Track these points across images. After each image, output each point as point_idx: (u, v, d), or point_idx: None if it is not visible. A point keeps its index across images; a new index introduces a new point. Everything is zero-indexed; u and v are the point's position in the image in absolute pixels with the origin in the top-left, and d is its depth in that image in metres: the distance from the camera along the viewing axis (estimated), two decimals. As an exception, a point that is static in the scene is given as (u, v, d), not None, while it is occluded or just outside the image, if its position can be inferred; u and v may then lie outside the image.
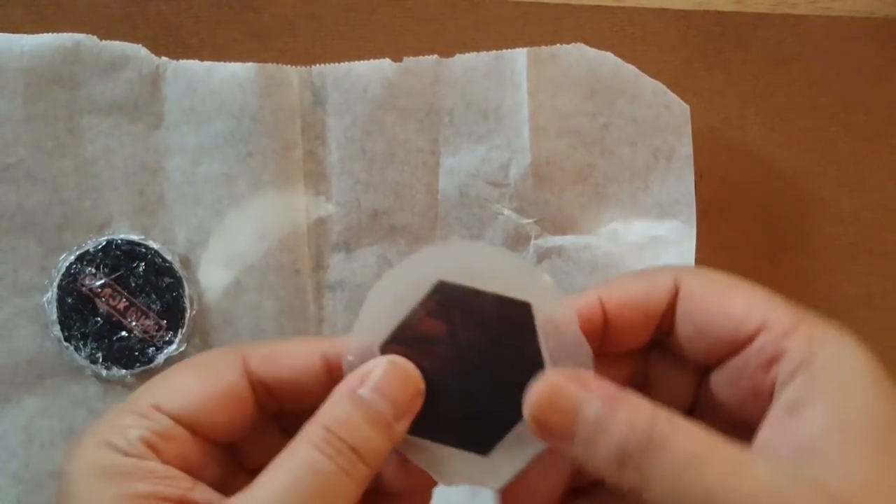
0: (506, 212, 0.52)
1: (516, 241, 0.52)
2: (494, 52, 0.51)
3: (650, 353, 0.37)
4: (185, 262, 0.51)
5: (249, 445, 0.36)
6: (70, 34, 0.50)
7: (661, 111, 0.52)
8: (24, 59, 0.49)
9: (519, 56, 0.51)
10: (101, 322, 0.50)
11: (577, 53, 0.52)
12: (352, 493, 0.31)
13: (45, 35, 0.50)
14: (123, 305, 0.50)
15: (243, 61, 0.51)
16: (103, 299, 0.50)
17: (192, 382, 0.34)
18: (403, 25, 0.54)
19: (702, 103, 0.54)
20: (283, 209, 0.51)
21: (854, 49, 0.57)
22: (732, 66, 0.56)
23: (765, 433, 0.32)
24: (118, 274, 0.50)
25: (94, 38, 0.50)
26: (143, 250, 0.50)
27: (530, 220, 0.52)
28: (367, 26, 0.54)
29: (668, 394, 0.36)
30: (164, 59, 0.51)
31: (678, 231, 0.52)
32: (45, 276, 0.50)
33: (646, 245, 0.52)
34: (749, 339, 0.33)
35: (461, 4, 0.54)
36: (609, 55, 0.52)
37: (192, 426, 0.33)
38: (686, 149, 0.52)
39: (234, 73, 0.50)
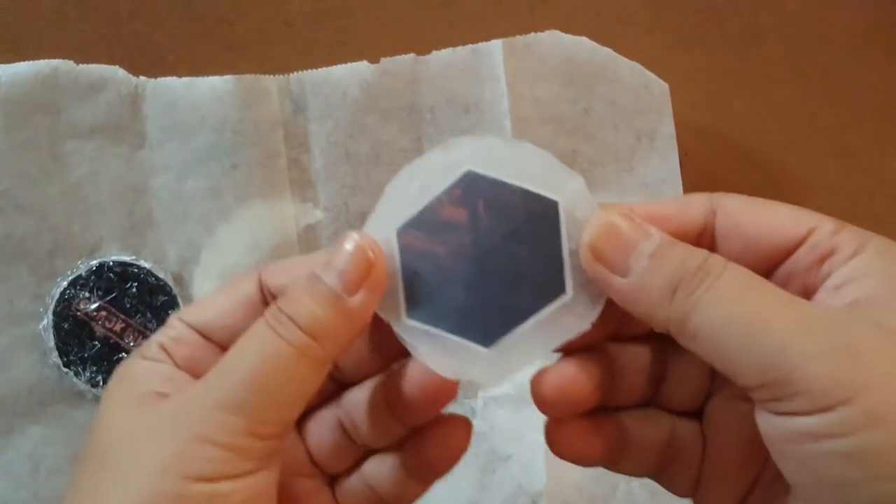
0: None
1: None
2: (471, 46, 0.52)
3: None
4: (178, 278, 0.51)
5: None
6: (46, 60, 0.50)
7: (641, 92, 0.52)
8: (2, 88, 0.49)
9: (495, 48, 0.51)
10: (99, 345, 0.50)
11: (553, 41, 0.52)
12: (309, 372, 0.31)
13: (22, 63, 0.50)
14: (120, 327, 0.50)
15: (221, 74, 0.51)
16: (99, 322, 0.50)
17: (216, 296, 0.35)
18: (379, 27, 0.54)
19: (681, 82, 0.54)
20: (271, 219, 0.51)
21: (830, 16, 0.57)
22: (709, 42, 0.56)
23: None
24: (112, 296, 0.50)
25: (71, 62, 0.50)
26: (136, 270, 0.50)
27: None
28: (342, 30, 0.54)
29: None
30: (143, 78, 0.51)
31: None
32: (40, 303, 0.50)
33: None
34: (800, 242, 0.32)
35: (435, 2, 0.54)
36: (585, 40, 0.52)
37: (205, 331, 0.34)
38: (668, 128, 0.52)
39: (213, 87, 0.51)
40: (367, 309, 0.32)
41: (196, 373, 0.33)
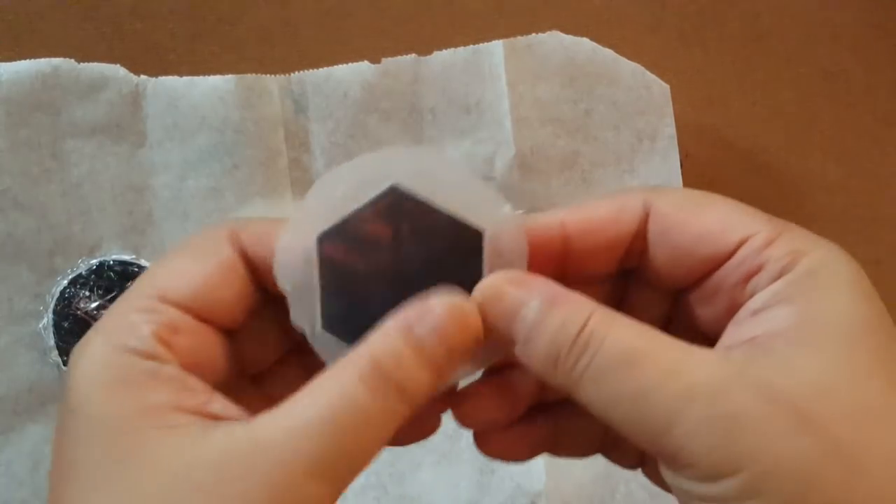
0: None
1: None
2: (472, 46, 0.52)
3: (623, 280, 0.35)
4: None
5: (250, 342, 0.34)
6: (47, 59, 0.50)
7: (642, 93, 0.52)
8: (3, 87, 0.49)
9: (496, 49, 0.52)
10: None
11: (554, 42, 0.52)
12: (387, 433, 0.29)
13: (23, 62, 0.50)
14: None
15: (222, 74, 0.51)
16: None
17: (190, 264, 0.31)
18: (380, 27, 0.54)
19: (682, 83, 0.54)
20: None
21: (830, 17, 0.56)
22: (710, 43, 0.56)
23: (725, 335, 0.31)
24: (112, 295, 0.50)
25: (72, 61, 0.50)
26: (136, 269, 0.50)
27: (519, 212, 0.52)
28: (343, 30, 0.54)
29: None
30: (144, 77, 0.51)
31: None
32: (40, 302, 0.50)
33: None
34: (729, 255, 0.31)
35: (436, 2, 0.54)
36: (585, 41, 0.52)
37: (198, 312, 0.31)
38: (669, 129, 0.52)
39: (214, 87, 0.51)
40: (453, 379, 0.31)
41: (200, 369, 0.30)
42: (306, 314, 0.32)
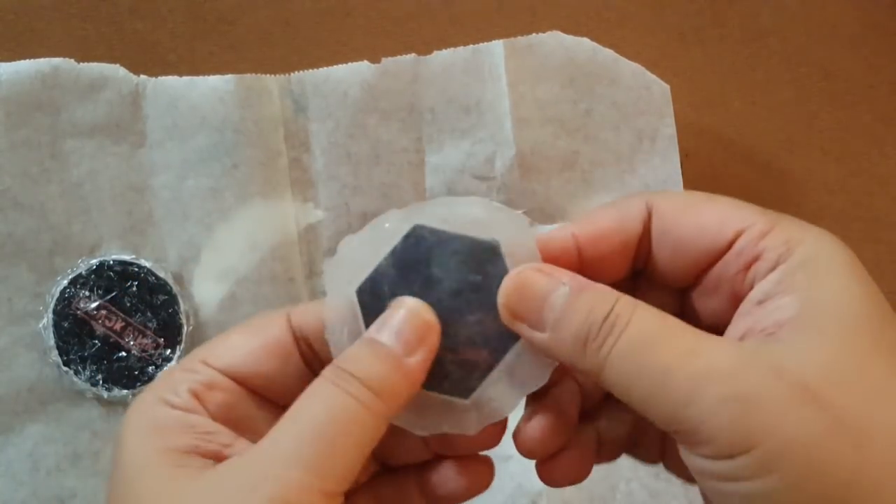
0: None
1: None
2: (472, 46, 0.52)
3: (632, 282, 0.37)
4: (179, 278, 0.51)
5: None
6: (47, 59, 0.50)
7: (642, 93, 0.52)
8: (3, 87, 0.49)
9: (496, 48, 0.51)
10: (99, 344, 0.50)
11: (554, 42, 0.52)
12: (372, 428, 0.31)
13: (23, 62, 0.50)
14: (120, 326, 0.50)
15: (222, 74, 0.51)
16: (99, 321, 0.50)
17: (239, 339, 0.35)
18: (379, 26, 0.54)
19: (682, 82, 0.54)
20: (272, 219, 0.51)
21: (830, 17, 0.56)
22: (710, 43, 0.56)
23: (732, 325, 0.33)
24: (112, 295, 0.50)
25: (72, 61, 0.50)
26: (136, 269, 0.50)
27: (519, 212, 0.52)
28: (342, 30, 0.54)
29: None
30: (143, 77, 0.51)
31: None
32: (40, 302, 0.50)
33: None
34: (726, 247, 0.33)
35: (436, 2, 0.54)
36: (586, 41, 0.52)
37: (238, 377, 0.34)
38: (669, 129, 0.52)
39: (214, 87, 0.51)
40: (423, 369, 0.33)
41: (233, 423, 0.33)
42: None
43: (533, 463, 0.36)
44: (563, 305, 0.32)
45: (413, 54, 0.52)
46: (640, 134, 0.52)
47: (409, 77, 0.52)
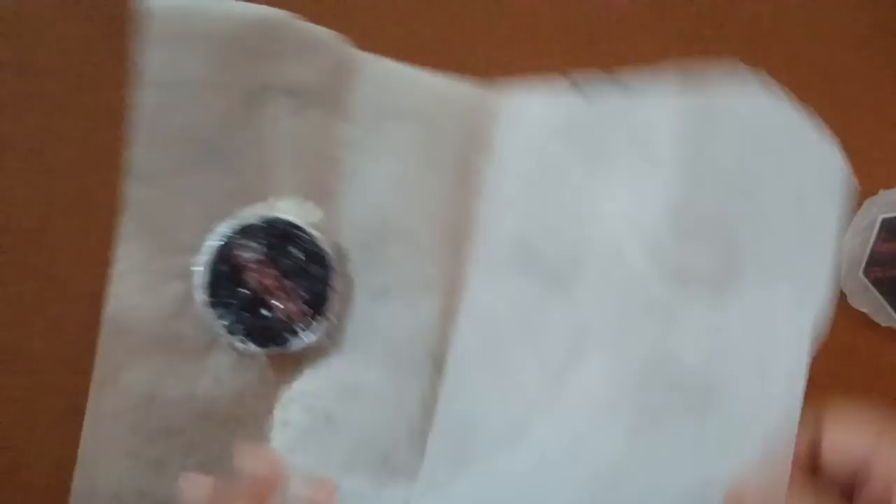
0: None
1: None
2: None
3: None
4: (341, 257, 0.51)
5: None
6: (264, 6, 0.49)
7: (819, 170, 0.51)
8: (213, 23, 0.48)
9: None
10: (248, 295, 0.50)
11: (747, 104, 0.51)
12: None
13: (240, 4, 0.48)
14: (272, 284, 0.50)
15: None
16: (254, 273, 0.50)
17: None
18: (379, 26, 0.54)
19: None
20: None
21: (831, 18, 0.56)
22: (710, 45, 0.55)
23: None
24: (274, 252, 0.50)
25: (290, 15, 0.49)
26: (302, 236, 0.50)
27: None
28: (343, 30, 0.52)
29: None
30: (359, 51, 0.50)
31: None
32: (204, 239, 0.50)
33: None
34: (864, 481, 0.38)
35: (436, 2, 0.54)
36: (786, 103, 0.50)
37: None
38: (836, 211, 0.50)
39: (431, 85, 0.51)
40: None
41: None
42: None
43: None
44: None
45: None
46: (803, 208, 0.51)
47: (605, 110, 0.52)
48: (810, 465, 0.42)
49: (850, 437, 0.39)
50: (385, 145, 0.51)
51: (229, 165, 0.50)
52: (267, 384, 0.52)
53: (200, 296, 0.50)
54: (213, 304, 0.50)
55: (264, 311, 0.50)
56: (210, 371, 0.52)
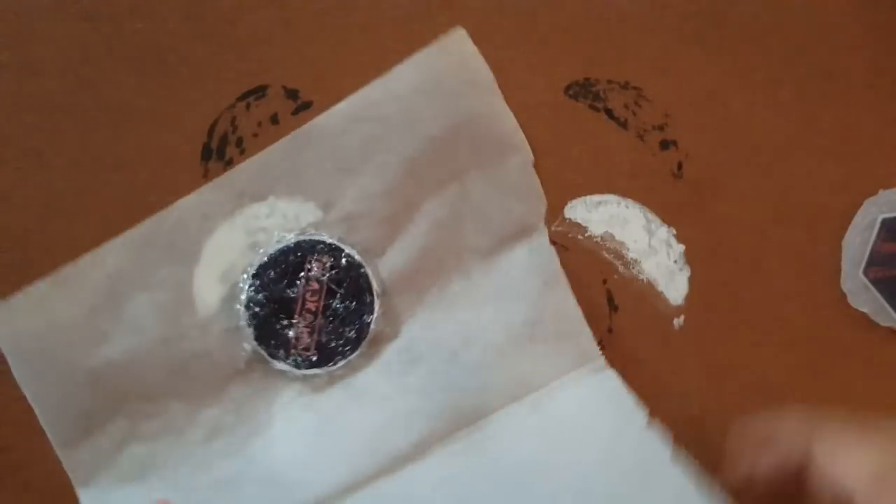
0: None
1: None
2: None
3: None
4: (385, 295, 0.52)
5: None
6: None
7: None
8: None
9: None
10: (287, 294, 0.50)
11: None
12: None
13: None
14: (314, 306, 0.50)
15: (222, 73, 0.51)
16: (309, 290, 0.50)
17: None
18: (379, 26, 0.53)
19: (682, 83, 0.55)
20: None
21: (830, 16, 0.56)
22: (710, 43, 0.55)
23: None
24: (336, 278, 0.50)
25: None
26: (362, 272, 0.50)
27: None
28: (342, 30, 0.53)
29: None
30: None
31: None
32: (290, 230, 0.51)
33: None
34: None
35: (435, 2, 0.54)
36: None
37: None
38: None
39: None
40: None
41: None
42: None
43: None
44: None
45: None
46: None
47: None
48: (795, 478, 0.43)
49: (841, 472, 0.40)
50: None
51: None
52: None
53: (242, 280, 0.50)
54: (247, 303, 0.50)
55: (283, 318, 0.50)
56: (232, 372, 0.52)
